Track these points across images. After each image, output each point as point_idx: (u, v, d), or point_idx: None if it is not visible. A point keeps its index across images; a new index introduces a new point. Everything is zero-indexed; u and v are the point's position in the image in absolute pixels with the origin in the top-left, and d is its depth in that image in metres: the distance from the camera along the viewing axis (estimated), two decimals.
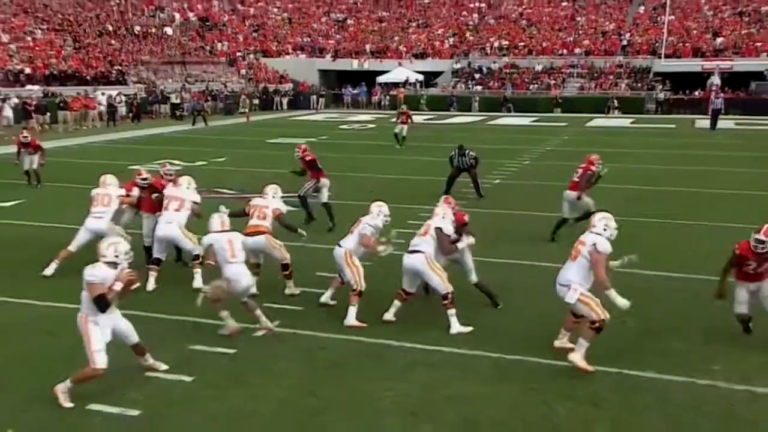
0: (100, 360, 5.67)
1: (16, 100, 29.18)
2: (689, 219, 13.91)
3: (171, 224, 9.33)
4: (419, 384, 6.64)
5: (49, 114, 29.29)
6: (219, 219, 8.00)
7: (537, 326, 8.11)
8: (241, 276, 7.48)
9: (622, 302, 6.51)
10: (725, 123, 32.59)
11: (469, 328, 7.77)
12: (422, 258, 7.86)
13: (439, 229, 8.10)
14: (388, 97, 44.45)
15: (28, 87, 32.43)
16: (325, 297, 8.58)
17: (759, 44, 41.66)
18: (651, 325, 7.88)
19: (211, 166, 20.46)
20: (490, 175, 18.46)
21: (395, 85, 45.08)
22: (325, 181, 12.67)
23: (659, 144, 27.16)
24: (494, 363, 7.05)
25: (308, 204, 12.71)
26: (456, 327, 7.79)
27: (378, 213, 8.60)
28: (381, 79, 46.18)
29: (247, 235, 8.50)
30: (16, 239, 11.87)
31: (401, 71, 46.08)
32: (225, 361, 7.22)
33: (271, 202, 9.32)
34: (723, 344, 7.37)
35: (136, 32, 47.05)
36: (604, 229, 6.72)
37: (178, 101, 36.33)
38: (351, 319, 7.93)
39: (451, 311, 7.81)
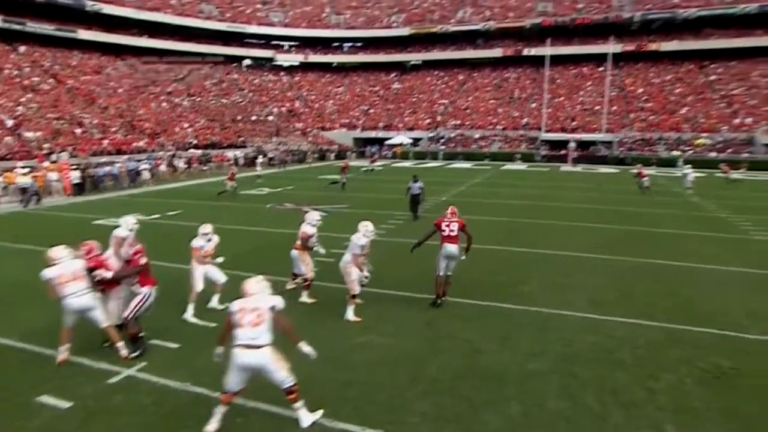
0: None
1: (184, 158, 29.75)
2: (548, 219, 13.91)
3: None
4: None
5: (203, 164, 29.75)
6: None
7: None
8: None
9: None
10: (577, 168, 32.82)
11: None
12: (296, 252, 6.98)
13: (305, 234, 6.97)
14: (391, 151, 44.57)
15: (191, 150, 32.99)
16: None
17: (594, 126, 41.95)
18: None
19: (285, 191, 20.70)
20: (441, 195, 18.52)
21: (395, 145, 45.14)
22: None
23: (540, 178, 27.13)
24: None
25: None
26: (290, 285, 7.00)
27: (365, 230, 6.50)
28: (388, 142, 46.11)
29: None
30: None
31: (399, 137, 45.99)
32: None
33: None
34: None
35: (253, 119, 47.52)
36: None
37: (272, 156, 36.52)
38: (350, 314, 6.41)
39: (306, 291, 6.95)
